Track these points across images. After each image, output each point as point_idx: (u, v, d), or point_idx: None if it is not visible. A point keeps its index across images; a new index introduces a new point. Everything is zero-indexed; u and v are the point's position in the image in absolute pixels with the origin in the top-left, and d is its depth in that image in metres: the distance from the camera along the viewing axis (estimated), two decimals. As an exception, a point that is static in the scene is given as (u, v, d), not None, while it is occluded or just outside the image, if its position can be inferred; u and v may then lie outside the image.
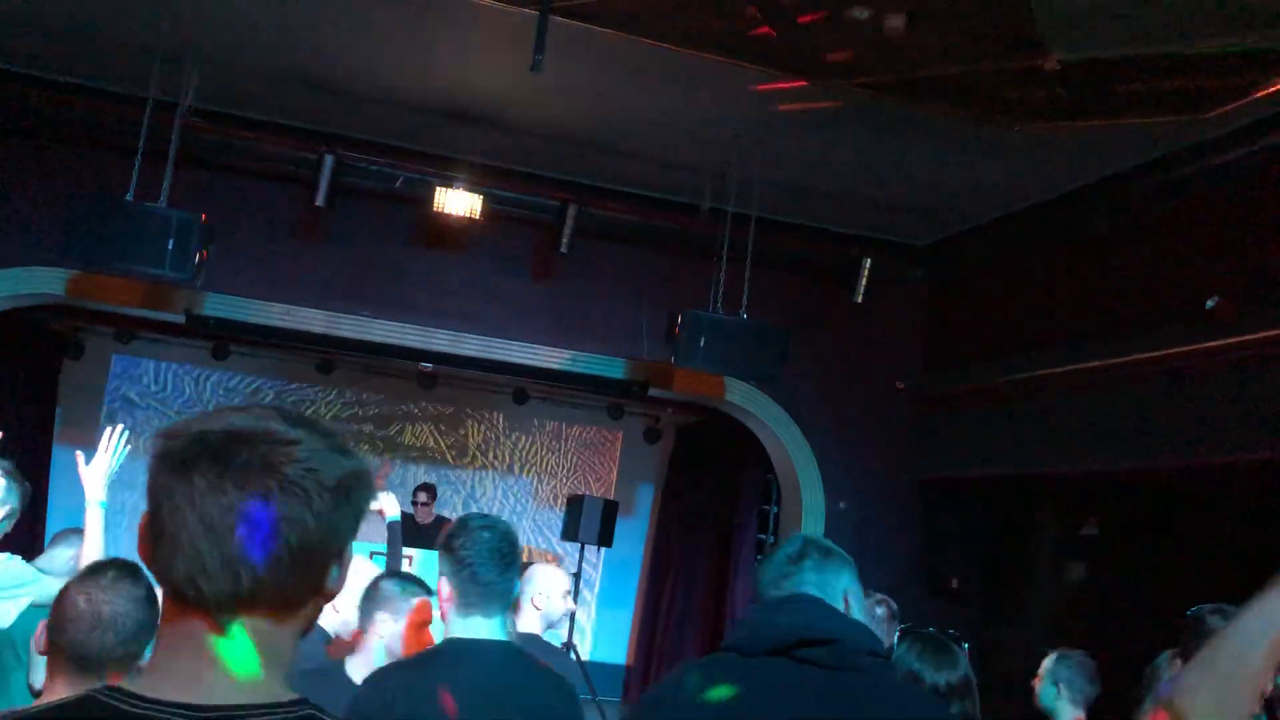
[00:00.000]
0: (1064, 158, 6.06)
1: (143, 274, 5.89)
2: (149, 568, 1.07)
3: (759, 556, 9.26)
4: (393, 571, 3.75)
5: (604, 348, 7.65)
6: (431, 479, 10.21)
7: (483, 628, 2.39)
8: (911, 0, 4.57)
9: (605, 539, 8.99)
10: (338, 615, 3.52)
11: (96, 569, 2.26)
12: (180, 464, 1.04)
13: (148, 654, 2.05)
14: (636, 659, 11.03)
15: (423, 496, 8.97)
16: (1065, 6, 4.40)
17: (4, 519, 3.37)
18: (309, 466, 1.06)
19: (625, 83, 5.83)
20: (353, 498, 1.10)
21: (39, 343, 9.91)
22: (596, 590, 11.31)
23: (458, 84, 6.09)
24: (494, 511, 11.25)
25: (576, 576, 9.58)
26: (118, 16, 5.69)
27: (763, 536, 9.31)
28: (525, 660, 2.47)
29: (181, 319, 7.49)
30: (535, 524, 11.43)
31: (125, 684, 1.04)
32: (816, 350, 7.78)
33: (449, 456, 11.53)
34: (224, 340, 9.89)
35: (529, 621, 3.74)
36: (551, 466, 11.77)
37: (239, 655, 1.05)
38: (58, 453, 10.17)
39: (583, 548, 9.26)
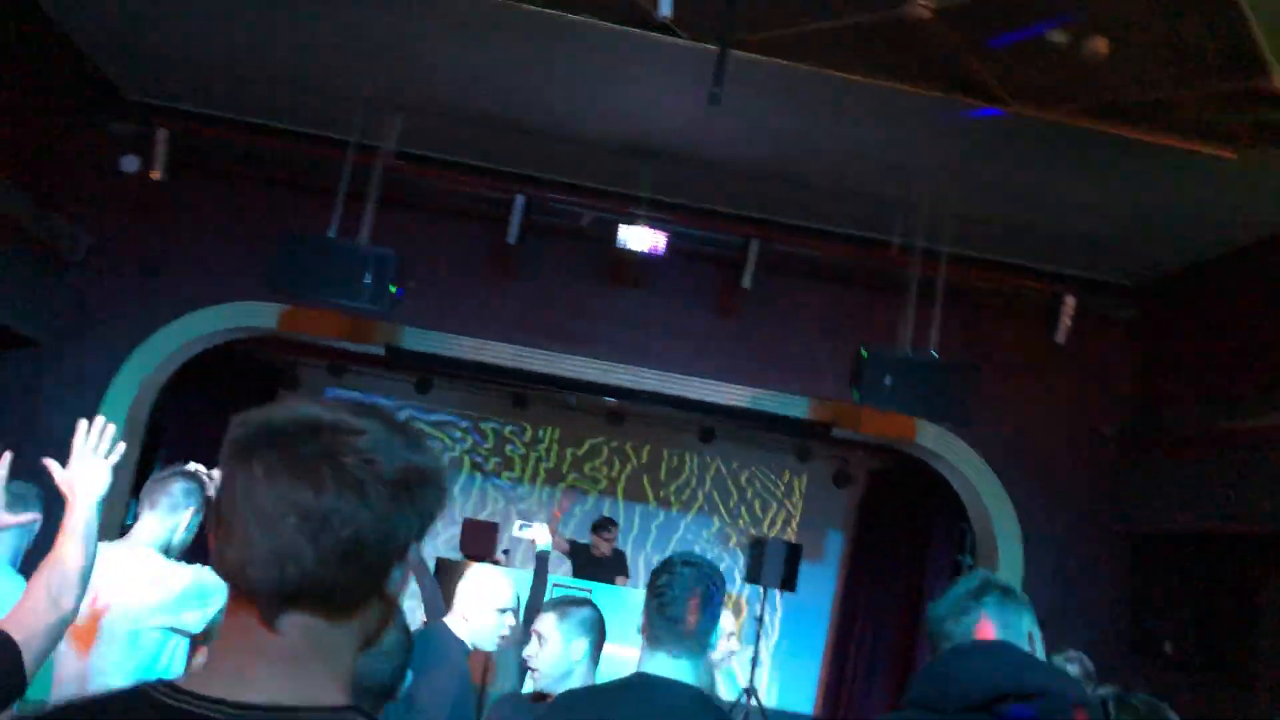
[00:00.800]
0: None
1: (343, 306, 6.19)
2: (213, 556, 1.05)
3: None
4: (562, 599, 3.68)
5: (788, 385, 7.51)
6: (614, 513, 10.29)
7: (668, 665, 2.33)
8: (1114, 23, 4.30)
9: (788, 583, 8.78)
10: (468, 624, 3.52)
11: None
12: (243, 451, 1.02)
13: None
14: (823, 709, 10.71)
15: (604, 530, 9.02)
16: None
17: (187, 525, 3.45)
18: (368, 458, 1.02)
19: (810, 115, 5.75)
20: (416, 495, 1.05)
21: (258, 375, 10.58)
22: (775, 636, 11.07)
23: (642, 121, 6.15)
24: (673, 548, 11.22)
25: (759, 620, 9.42)
26: (327, 66, 6.05)
27: (955, 587, 8.88)
28: (706, 704, 2.38)
29: (381, 353, 7.84)
30: (718, 563, 11.33)
31: (181, 680, 1.03)
32: (1015, 392, 7.40)
33: (633, 491, 11.59)
34: (425, 374, 10.32)
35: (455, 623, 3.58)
36: (735, 506, 11.65)
37: (285, 652, 1.01)
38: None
39: (764, 591, 9.09)
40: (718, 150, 6.37)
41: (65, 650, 3.13)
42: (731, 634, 3.75)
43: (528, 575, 4.86)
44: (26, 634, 2.11)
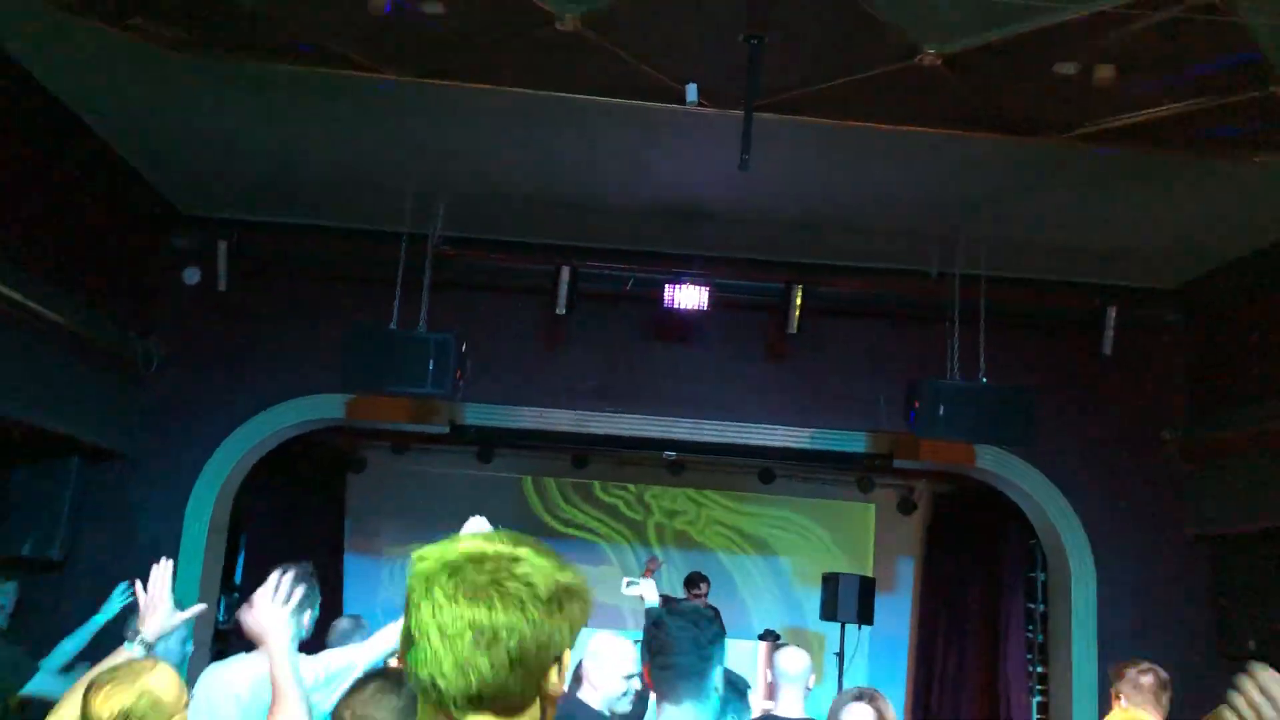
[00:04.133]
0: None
1: (410, 393, 6.45)
2: (406, 671, 1.26)
3: (1029, 627, 8.84)
4: None
5: (843, 422, 7.65)
6: (691, 565, 10.38)
7: (675, 715, 2.42)
8: (1119, 50, 4.46)
9: (865, 616, 8.84)
10: (598, 693, 3.70)
11: (361, 683, 2.47)
12: (426, 580, 1.25)
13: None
14: (913, 738, 10.67)
15: (695, 586, 9.12)
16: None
17: (309, 621, 3.75)
18: (527, 581, 1.24)
19: (837, 163, 5.94)
20: (565, 608, 1.27)
21: (325, 461, 10.88)
22: (867, 672, 11.05)
23: (679, 187, 6.39)
24: (751, 593, 11.31)
25: (840, 656, 9.45)
26: (372, 165, 6.37)
27: (1031, 605, 8.88)
28: None
29: (445, 429, 8.10)
30: (791, 603, 11.37)
31: None
32: (1068, 408, 7.47)
33: (702, 541, 11.70)
34: (486, 445, 10.56)
35: (587, 694, 3.73)
36: (804, 545, 11.71)
37: None
38: (349, 561, 11.07)
39: (843, 627, 9.13)
40: (753, 205, 6.59)
41: None
42: (628, 676, 3.80)
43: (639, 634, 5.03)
44: None
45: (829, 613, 8.89)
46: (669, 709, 2.44)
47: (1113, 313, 7.08)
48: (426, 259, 6.68)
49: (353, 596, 10.64)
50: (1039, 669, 8.61)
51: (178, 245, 7.31)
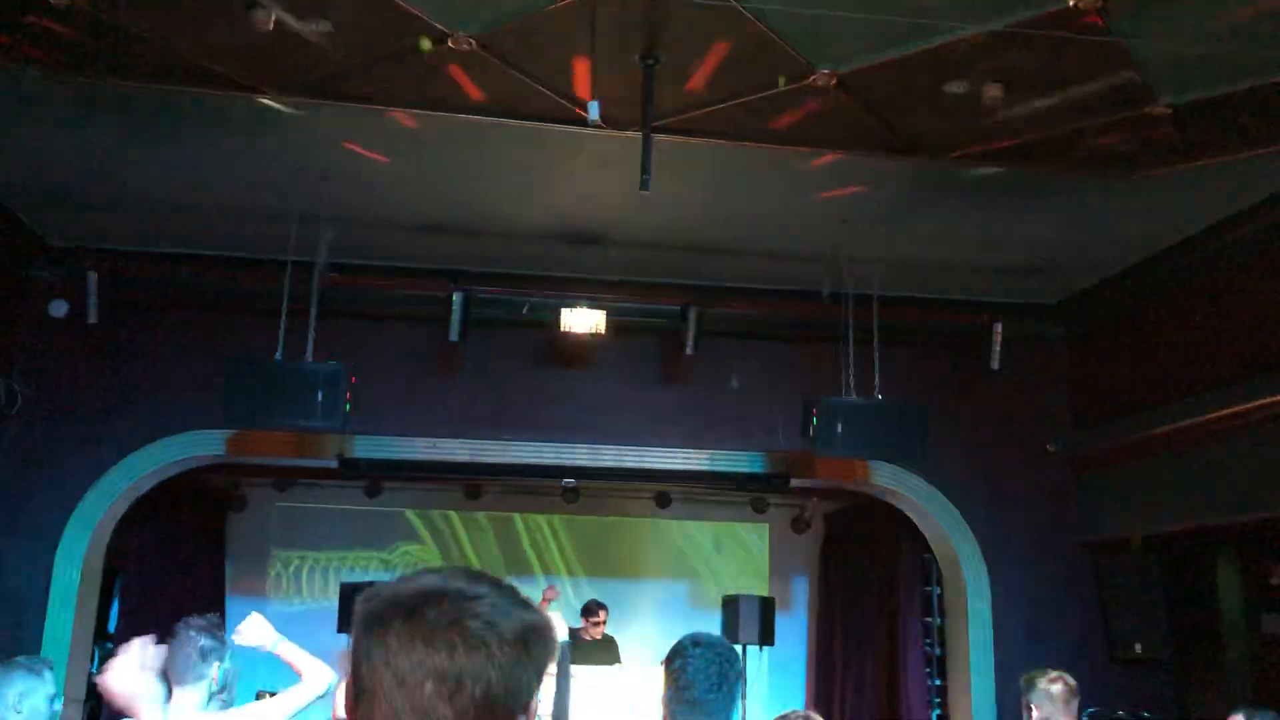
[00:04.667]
0: (1190, 198, 5.88)
1: (298, 426, 6.19)
2: None
3: (926, 640, 8.96)
4: None
5: (741, 443, 7.66)
6: (587, 593, 10.25)
7: None
8: (1006, 70, 4.57)
9: (766, 637, 8.85)
10: None
11: None
12: (376, 624, 1.12)
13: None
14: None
15: (592, 615, 8.97)
16: (1168, 54, 4.34)
17: (219, 679, 3.55)
18: (489, 620, 1.13)
19: (732, 184, 5.95)
20: (533, 650, 1.16)
21: (204, 500, 10.41)
22: (768, 691, 11.05)
23: (572, 208, 6.31)
24: (648, 618, 11.22)
25: (742, 677, 9.41)
26: (253, 189, 6.11)
27: (928, 620, 9.01)
28: None
29: (334, 464, 7.82)
30: (691, 627, 11.32)
31: None
32: (959, 422, 7.62)
33: (599, 569, 11.57)
34: (375, 478, 10.25)
35: None
36: (702, 568, 11.69)
37: None
38: (230, 604, 10.59)
39: (744, 649, 9.12)
40: (649, 228, 6.55)
41: None
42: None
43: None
44: None
45: (730, 635, 8.86)
46: None
47: (999, 328, 7.25)
48: (312, 287, 6.43)
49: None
50: (937, 682, 8.73)
51: (42, 277, 6.90)
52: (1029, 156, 5.41)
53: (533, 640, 1.16)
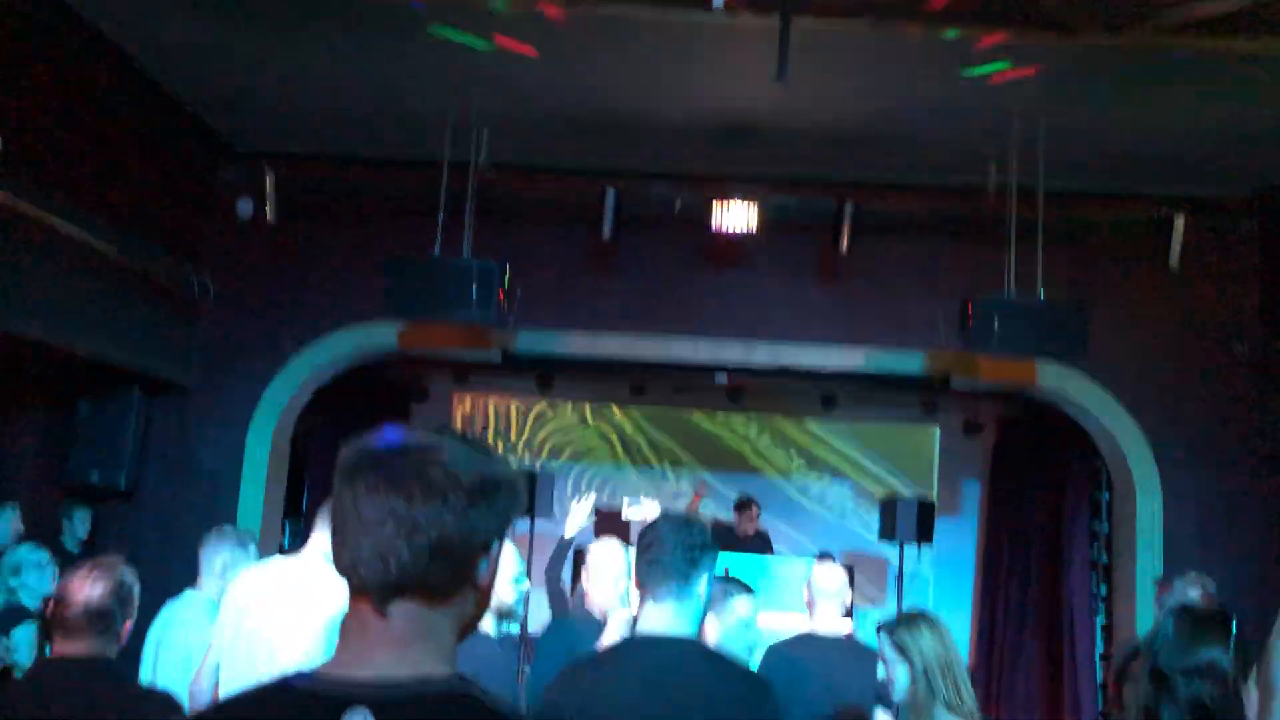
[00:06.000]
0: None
1: (455, 318, 6.46)
2: (332, 558, 1.26)
3: (1093, 547, 8.69)
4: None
5: (898, 342, 7.51)
6: (751, 490, 10.38)
7: (657, 614, 2.41)
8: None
9: (925, 535, 8.76)
10: (594, 600, 3.74)
11: None
12: (350, 473, 1.24)
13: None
14: (978, 662, 10.63)
15: (745, 510, 9.10)
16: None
17: None
18: (449, 471, 1.23)
19: (885, 71, 5.75)
20: (492, 499, 1.25)
21: (388, 393, 11.03)
22: (933, 593, 11.00)
23: (719, 101, 6.24)
24: (813, 517, 11.28)
25: (900, 576, 9.41)
26: (411, 93, 6.33)
27: (1095, 525, 8.73)
28: (707, 654, 2.48)
29: (498, 358, 8.13)
30: (857, 526, 11.32)
31: (316, 668, 1.24)
32: (1135, 322, 7.24)
33: (765, 466, 11.67)
34: (544, 373, 10.61)
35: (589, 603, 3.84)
36: (868, 468, 11.63)
37: (395, 635, 1.22)
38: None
39: (902, 547, 9.06)
40: (800, 121, 6.41)
41: None
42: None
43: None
44: None
45: (887, 533, 8.83)
46: (650, 605, 2.45)
47: (1180, 223, 6.80)
48: (469, 186, 6.64)
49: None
50: (1103, 589, 8.49)
51: (228, 180, 7.38)
52: (1213, 31, 4.99)
53: (492, 490, 1.25)
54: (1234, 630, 2.11)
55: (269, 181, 6.97)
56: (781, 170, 7.18)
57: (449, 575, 1.23)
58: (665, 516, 2.57)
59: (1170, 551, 7.11)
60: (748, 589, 3.39)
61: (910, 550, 9.38)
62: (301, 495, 9.56)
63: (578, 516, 5.06)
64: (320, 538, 3.75)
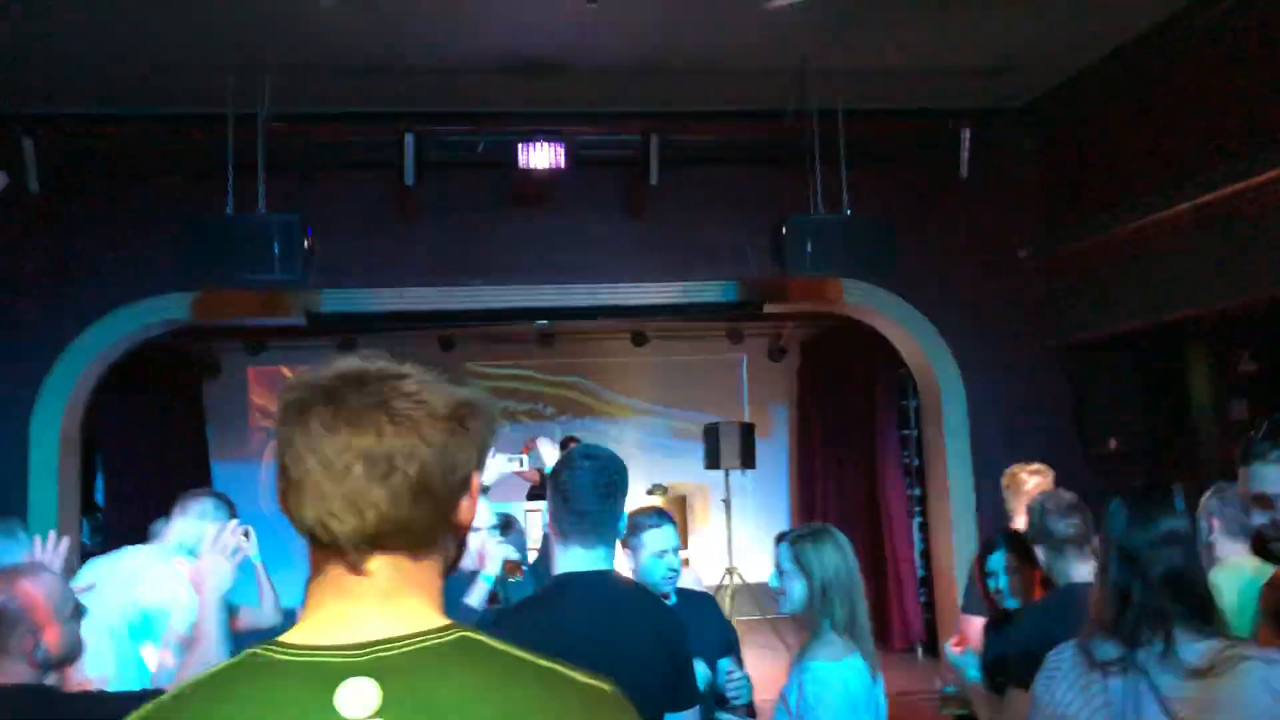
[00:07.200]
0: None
1: (256, 281, 6.06)
2: (287, 518, 1.08)
3: (904, 453, 9.13)
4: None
5: (712, 273, 7.58)
6: (572, 433, 10.36)
7: (583, 559, 2.38)
8: None
9: (747, 460, 8.99)
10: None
11: None
12: (297, 412, 1.06)
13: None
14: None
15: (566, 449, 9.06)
16: None
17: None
18: (419, 399, 1.07)
19: (684, 1, 5.70)
20: (469, 426, 1.10)
21: (179, 368, 10.36)
22: (755, 517, 11.33)
23: (519, 36, 6.05)
24: (634, 453, 11.37)
25: (727, 504, 9.64)
26: (185, 40, 5.82)
27: (905, 432, 9.17)
28: (629, 587, 2.47)
29: (302, 321, 7.72)
30: (677, 459, 11.51)
31: (284, 637, 1.07)
32: (930, 235, 7.56)
33: (581, 409, 11.68)
34: (347, 334, 10.18)
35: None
36: (682, 401, 11.81)
37: (379, 590, 1.07)
38: (217, 469, 10.67)
39: (727, 475, 9.29)
40: (602, 54, 6.30)
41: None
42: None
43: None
44: None
45: (713, 461, 9.02)
46: (577, 550, 2.39)
47: (966, 135, 7.10)
48: (259, 139, 6.20)
49: (226, 505, 10.30)
50: (917, 491, 8.94)
51: (-24, 149, 6.62)
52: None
53: (468, 415, 1.10)
54: (1177, 499, 2.19)
55: (28, 146, 6.29)
56: (587, 106, 7.06)
57: (432, 518, 1.08)
58: (585, 455, 2.46)
59: (977, 451, 7.54)
60: (665, 520, 3.33)
61: (733, 477, 9.61)
62: (94, 487, 8.89)
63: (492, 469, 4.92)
64: (180, 527, 3.62)
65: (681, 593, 3.36)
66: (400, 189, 6.72)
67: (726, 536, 9.90)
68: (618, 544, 3.14)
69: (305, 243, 5.90)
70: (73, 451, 7.01)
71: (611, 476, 2.41)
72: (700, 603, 3.55)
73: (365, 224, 7.16)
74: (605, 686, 1.11)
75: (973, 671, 3.34)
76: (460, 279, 7.35)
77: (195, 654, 2.60)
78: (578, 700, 1.06)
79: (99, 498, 8.78)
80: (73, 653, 2.43)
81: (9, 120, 6.54)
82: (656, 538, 3.26)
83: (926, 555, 8.76)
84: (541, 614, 2.30)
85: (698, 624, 2.60)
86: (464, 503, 1.12)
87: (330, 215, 6.78)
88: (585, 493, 2.37)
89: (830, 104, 6.71)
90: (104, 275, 6.86)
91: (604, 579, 2.39)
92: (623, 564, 3.12)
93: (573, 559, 2.38)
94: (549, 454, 5.09)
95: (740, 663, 3.31)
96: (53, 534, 3.19)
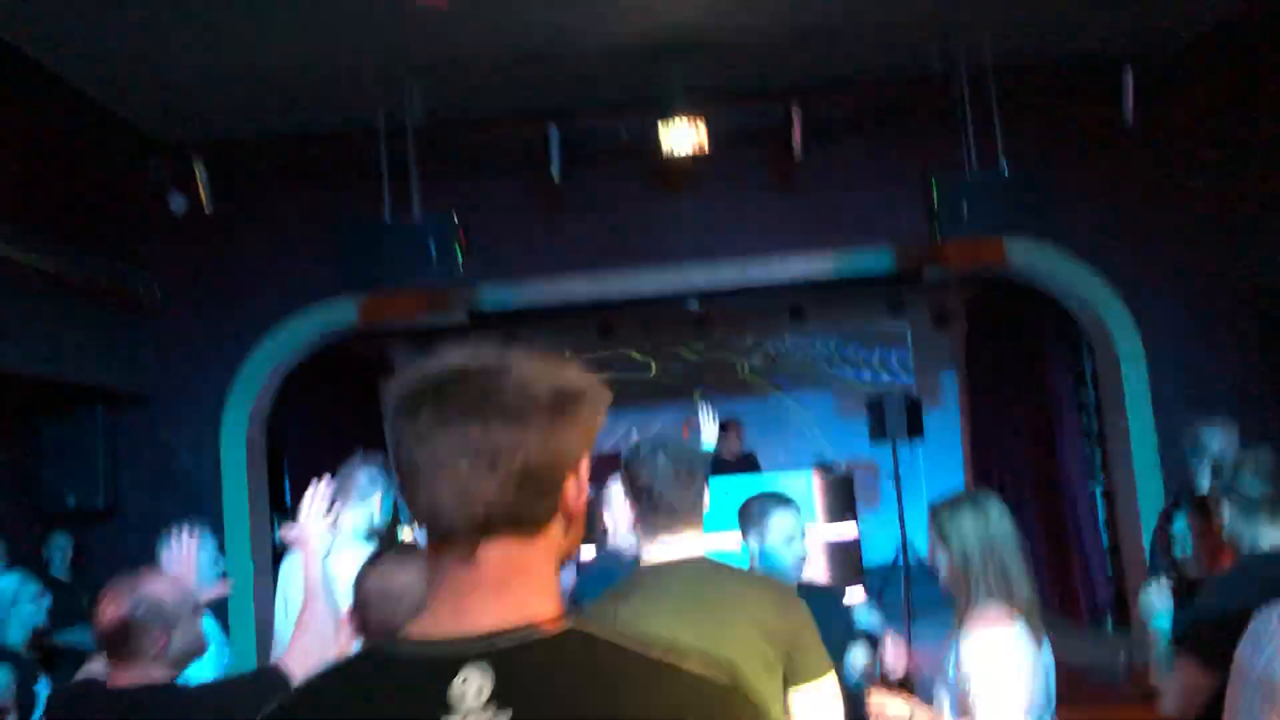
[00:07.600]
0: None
1: (416, 282, 6.26)
2: (407, 508, 1.12)
3: (1082, 415, 8.73)
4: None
5: (865, 241, 7.41)
6: (734, 413, 10.34)
7: (671, 548, 2.35)
8: None
9: (915, 430, 8.77)
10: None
11: (376, 555, 2.45)
12: (408, 407, 1.09)
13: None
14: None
15: (725, 432, 9.03)
16: None
17: (381, 507, 3.85)
18: (522, 389, 1.08)
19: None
20: (574, 413, 1.11)
21: (355, 371, 10.83)
22: (926, 489, 11.07)
23: (650, 20, 6.03)
24: (798, 429, 11.26)
25: (896, 476, 9.43)
26: (335, 55, 6.04)
27: (1081, 396, 8.76)
28: (725, 569, 2.39)
29: (465, 319, 7.95)
30: (842, 434, 11.34)
31: (405, 631, 1.10)
32: (1095, 186, 7.18)
33: (743, 388, 11.63)
34: (509, 330, 10.44)
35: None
36: (847, 374, 11.62)
37: (492, 579, 1.08)
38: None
39: (894, 447, 9.07)
40: (736, 29, 6.22)
41: None
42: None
43: None
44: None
45: (878, 433, 8.83)
46: (649, 546, 2.37)
47: (1129, 77, 6.69)
48: (409, 145, 6.40)
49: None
50: (1098, 456, 8.54)
51: (157, 175, 7.06)
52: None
53: (571, 402, 1.11)
54: None
55: (200, 169, 6.68)
56: (725, 83, 6.99)
57: (539, 505, 1.10)
58: (649, 445, 2.41)
59: (1160, 408, 7.13)
60: (787, 503, 3.29)
61: (903, 451, 9.39)
62: (283, 490, 9.38)
63: None
64: (345, 517, 3.83)
65: (801, 587, 3.28)
66: (547, 181, 6.81)
67: (899, 515, 9.68)
68: (738, 533, 3.13)
69: (460, 241, 6.05)
70: (260, 460, 7.42)
71: (688, 463, 2.38)
72: (822, 597, 3.48)
73: (516, 218, 7.30)
74: (723, 679, 1.09)
75: (1163, 620, 3.14)
76: (613, 265, 7.43)
77: (308, 610, 2.79)
78: (692, 694, 1.06)
79: (288, 499, 9.27)
80: (197, 649, 2.59)
81: (184, 148, 6.94)
82: (782, 523, 3.21)
83: (1112, 524, 8.35)
84: (632, 601, 2.27)
85: (821, 619, 2.53)
86: (573, 489, 1.12)
87: (482, 212, 6.93)
88: (665, 483, 2.34)
89: (979, 58, 6.45)
90: (276, 286, 7.22)
91: (691, 563, 2.35)
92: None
93: (660, 549, 2.36)
94: (709, 432, 5.09)
95: (874, 648, 3.26)
96: (185, 531, 3.32)
